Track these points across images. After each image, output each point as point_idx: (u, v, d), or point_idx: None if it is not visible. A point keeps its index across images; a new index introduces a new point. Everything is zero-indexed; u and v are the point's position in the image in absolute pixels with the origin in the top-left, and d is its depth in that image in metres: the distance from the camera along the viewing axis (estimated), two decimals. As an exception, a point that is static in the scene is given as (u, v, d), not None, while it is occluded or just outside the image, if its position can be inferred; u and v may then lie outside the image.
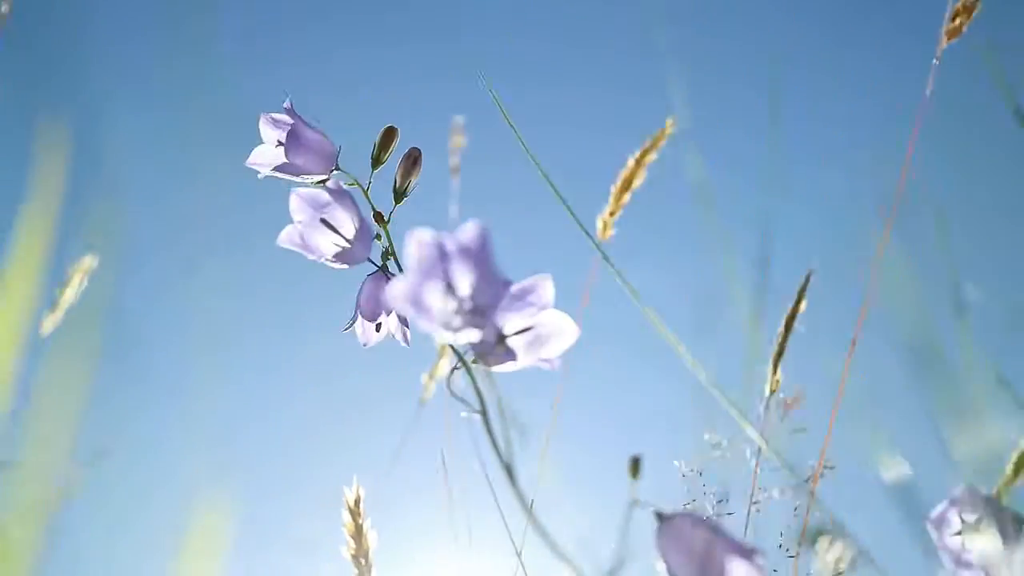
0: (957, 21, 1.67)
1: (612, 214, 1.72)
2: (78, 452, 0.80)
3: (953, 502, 0.94)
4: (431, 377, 1.69)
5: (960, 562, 0.94)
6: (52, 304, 1.04)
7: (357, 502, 1.08)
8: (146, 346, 0.90)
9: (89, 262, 1.11)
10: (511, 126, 1.00)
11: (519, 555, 1.19)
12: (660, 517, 0.81)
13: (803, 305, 1.62)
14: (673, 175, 1.68)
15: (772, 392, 1.63)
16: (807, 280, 1.63)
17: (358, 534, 1.07)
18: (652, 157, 1.69)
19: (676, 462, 1.35)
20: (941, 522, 0.95)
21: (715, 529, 0.80)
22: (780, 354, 1.63)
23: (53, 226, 0.81)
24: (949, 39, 1.68)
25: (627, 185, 1.68)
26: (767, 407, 1.64)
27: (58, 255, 0.94)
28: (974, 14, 1.66)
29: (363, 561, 1.07)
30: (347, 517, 1.07)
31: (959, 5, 1.69)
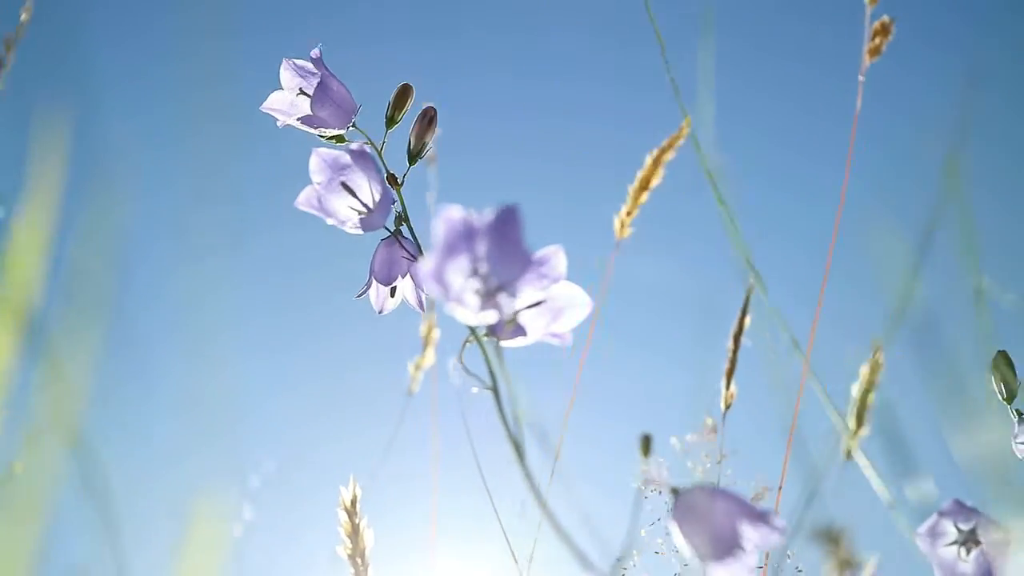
0: (877, 40, 1.80)
1: (629, 213, 1.73)
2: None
3: (943, 514, 0.94)
4: (418, 368, 1.68)
5: (955, 573, 0.94)
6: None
7: (353, 501, 1.07)
8: (144, 341, 0.90)
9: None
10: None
11: (507, 537, 1.19)
12: (675, 492, 0.80)
13: (748, 320, 1.69)
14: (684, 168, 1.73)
15: (727, 406, 1.68)
16: (748, 296, 1.70)
17: (354, 533, 1.06)
18: (670, 156, 1.70)
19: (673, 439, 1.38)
20: (932, 534, 0.95)
21: (731, 498, 0.79)
22: (732, 369, 1.69)
23: (52, 221, 0.82)
24: (871, 57, 1.80)
25: (645, 184, 1.69)
26: (723, 420, 1.69)
27: (58, 249, 0.94)
28: (891, 33, 1.79)
29: (359, 560, 1.06)
30: (343, 516, 1.06)
31: (877, 26, 1.82)
